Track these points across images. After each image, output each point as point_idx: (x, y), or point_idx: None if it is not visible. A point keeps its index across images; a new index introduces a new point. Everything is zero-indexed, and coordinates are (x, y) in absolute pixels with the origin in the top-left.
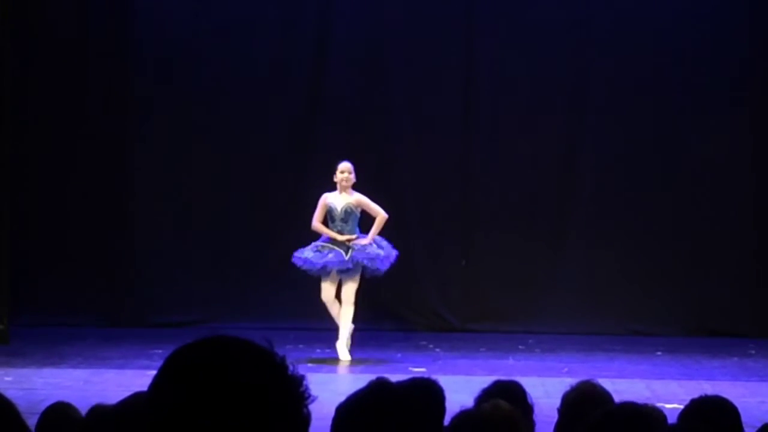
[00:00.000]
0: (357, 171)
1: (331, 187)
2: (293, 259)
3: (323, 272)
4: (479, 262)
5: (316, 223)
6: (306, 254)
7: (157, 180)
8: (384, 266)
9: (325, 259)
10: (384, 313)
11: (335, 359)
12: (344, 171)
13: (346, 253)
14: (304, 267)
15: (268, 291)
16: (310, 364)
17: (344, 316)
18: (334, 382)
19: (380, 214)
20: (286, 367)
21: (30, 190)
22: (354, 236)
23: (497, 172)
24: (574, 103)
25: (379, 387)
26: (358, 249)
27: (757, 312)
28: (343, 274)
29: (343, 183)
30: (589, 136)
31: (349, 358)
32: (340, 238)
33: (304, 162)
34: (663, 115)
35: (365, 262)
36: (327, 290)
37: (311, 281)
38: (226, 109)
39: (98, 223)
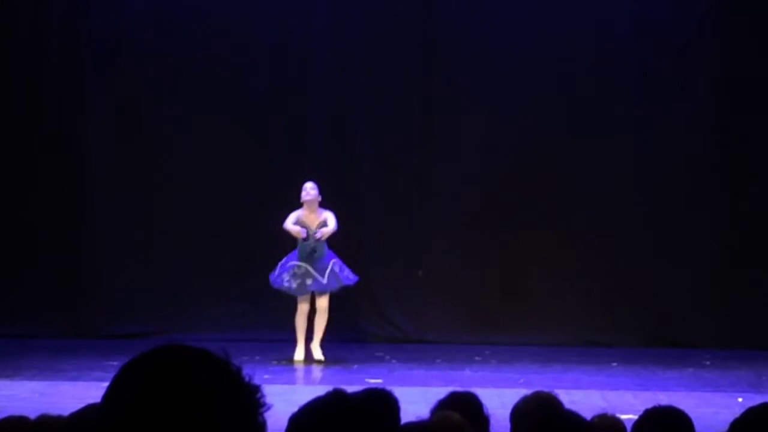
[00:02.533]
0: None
1: (299, 205)
2: (271, 282)
3: (302, 293)
4: (436, 273)
5: (289, 224)
6: (285, 281)
7: (114, 191)
8: (349, 282)
9: (306, 287)
10: (340, 324)
11: (307, 360)
12: (305, 188)
13: (323, 275)
14: (284, 290)
15: (224, 302)
16: (283, 364)
17: (321, 322)
18: (290, 393)
19: (331, 224)
20: (241, 376)
21: None
22: (321, 232)
23: (454, 183)
24: (532, 117)
25: (333, 398)
26: (331, 274)
27: (712, 323)
28: (322, 291)
29: (307, 199)
30: (547, 149)
31: (323, 358)
32: (310, 232)
33: (263, 175)
34: (621, 128)
35: (336, 286)
36: (304, 308)
37: (266, 294)
38: (184, 120)
39: (54, 234)
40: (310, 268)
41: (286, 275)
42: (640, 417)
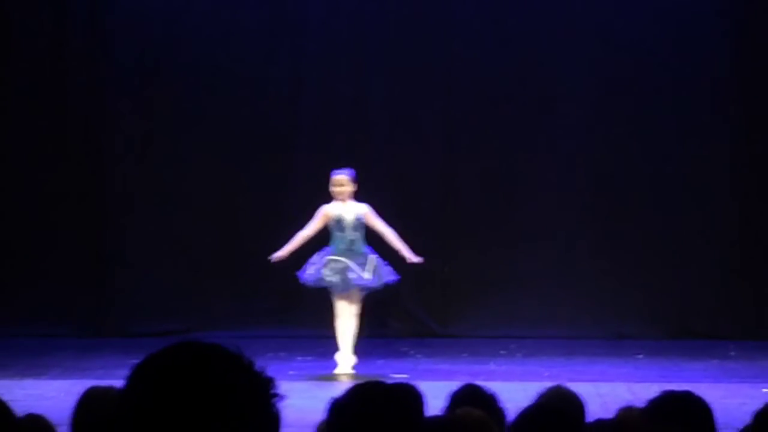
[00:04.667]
0: None
1: (327, 198)
2: (304, 279)
3: (345, 288)
4: (460, 267)
5: (301, 232)
6: (326, 276)
7: (138, 190)
8: (390, 280)
9: (350, 281)
10: (365, 320)
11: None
12: (335, 184)
13: (363, 269)
14: (323, 286)
15: (248, 299)
16: (321, 381)
17: (352, 328)
18: (315, 389)
19: (388, 231)
20: (253, 368)
21: (7, 200)
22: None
23: (477, 176)
24: (553, 109)
25: (374, 385)
26: (373, 269)
27: (737, 314)
28: (363, 289)
29: (338, 197)
30: (570, 139)
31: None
32: (345, 224)
33: (285, 172)
34: (645, 119)
35: (377, 284)
36: (343, 310)
37: (291, 291)
38: (204, 119)
39: (78, 233)
40: (349, 262)
41: (325, 270)
42: (655, 399)
